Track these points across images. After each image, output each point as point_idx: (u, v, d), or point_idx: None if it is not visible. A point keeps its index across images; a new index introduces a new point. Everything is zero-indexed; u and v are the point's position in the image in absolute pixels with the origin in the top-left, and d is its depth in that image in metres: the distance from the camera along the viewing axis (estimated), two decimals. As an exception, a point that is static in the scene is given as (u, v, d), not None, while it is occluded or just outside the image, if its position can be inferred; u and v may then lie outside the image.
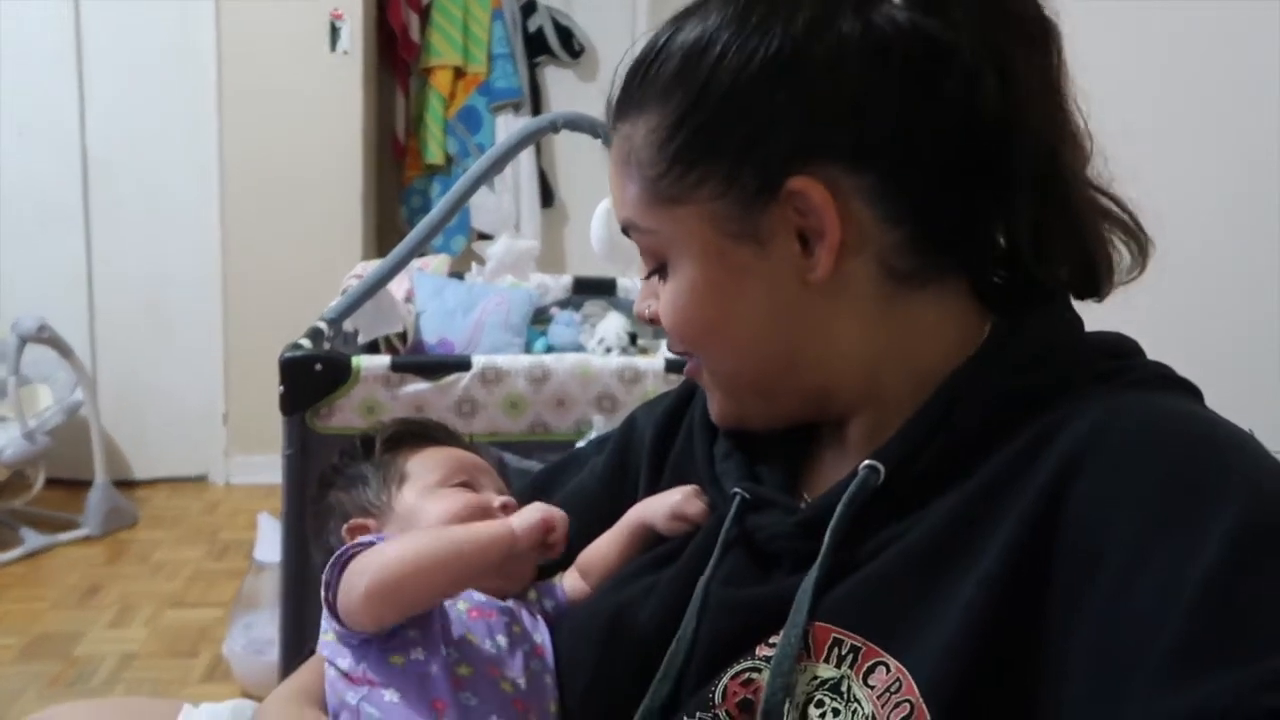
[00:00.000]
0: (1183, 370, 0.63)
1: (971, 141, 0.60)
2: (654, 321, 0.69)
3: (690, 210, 0.63)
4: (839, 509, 0.60)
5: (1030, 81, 0.61)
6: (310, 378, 1.56)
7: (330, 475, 0.85)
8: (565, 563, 0.79)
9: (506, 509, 0.78)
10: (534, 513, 0.72)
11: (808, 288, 0.62)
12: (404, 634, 0.70)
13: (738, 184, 0.62)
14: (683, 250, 0.65)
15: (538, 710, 0.70)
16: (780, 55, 0.60)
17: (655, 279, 0.69)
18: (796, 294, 0.63)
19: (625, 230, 0.68)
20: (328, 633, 0.72)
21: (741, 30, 0.61)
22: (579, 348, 2.17)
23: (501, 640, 0.72)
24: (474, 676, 0.69)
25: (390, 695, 0.67)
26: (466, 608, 0.73)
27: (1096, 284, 0.65)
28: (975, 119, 0.60)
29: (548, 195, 4.15)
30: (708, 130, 0.62)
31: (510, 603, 0.75)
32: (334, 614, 0.70)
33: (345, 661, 0.70)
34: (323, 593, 0.70)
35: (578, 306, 2.47)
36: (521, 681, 0.70)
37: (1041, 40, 0.62)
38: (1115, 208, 0.64)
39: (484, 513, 0.77)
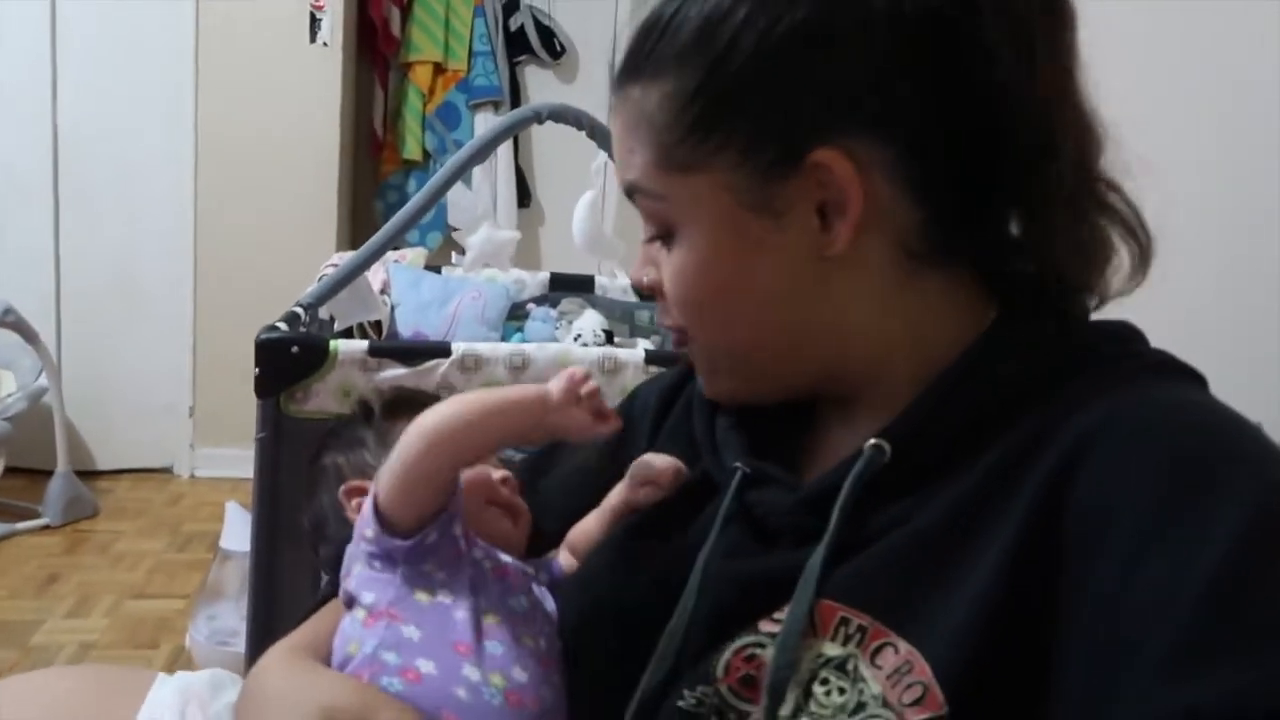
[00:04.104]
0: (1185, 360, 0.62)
1: (988, 117, 0.59)
2: (652, 289, 0.68)
3: (705, 178, 0.62)
4: (847, 485, 0.59)
5: (1049, 60, 0.59)
6: (286, 360, 1.53)
7: (328, 439, 0.87)
8: (557, 541, 0.79)
9: (505, 484, 0.79)
10: (561, 374, 0.71)
11: (823, 262, 0.61)
12: (431, 574, 0.69)
13: (758, 154, 0.60)
14: (694, 218, 0.63)
15: (557, 670, 0.69)
16: (807, 24, 0.58)
17: (657, 246, 0.67)
18: (810, 267, 0.62)
19: (629, 194, 0.67)
20: (356, 563, 0.72)
21: None
22: (556, 343, 2.16)
23: (523, 600, 0.72)
24: (499, 626, 0.69)
25: (410, 631, 0.67)
26: (491, 566, 0.73)
27: (1088, 278, 0.64)
28: (991, 93, 0.59)
29: (524, 194, 4.13)
30: (729, 98, 0.60)
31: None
32: (377, 514, 0.70)
33: (371, 595, 0.69)
34: (370, 499, 0.70)
35: (554, 303, 2.45)
36: (543, 642, 0.70)
37: (1062, 18, 0.61)
38: (1122, 205, 0.63)
39: (483, 481, 0.77)
